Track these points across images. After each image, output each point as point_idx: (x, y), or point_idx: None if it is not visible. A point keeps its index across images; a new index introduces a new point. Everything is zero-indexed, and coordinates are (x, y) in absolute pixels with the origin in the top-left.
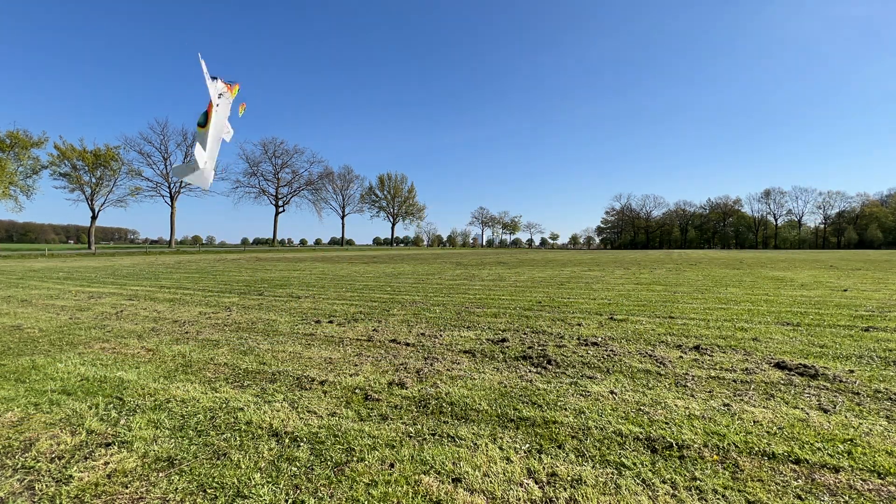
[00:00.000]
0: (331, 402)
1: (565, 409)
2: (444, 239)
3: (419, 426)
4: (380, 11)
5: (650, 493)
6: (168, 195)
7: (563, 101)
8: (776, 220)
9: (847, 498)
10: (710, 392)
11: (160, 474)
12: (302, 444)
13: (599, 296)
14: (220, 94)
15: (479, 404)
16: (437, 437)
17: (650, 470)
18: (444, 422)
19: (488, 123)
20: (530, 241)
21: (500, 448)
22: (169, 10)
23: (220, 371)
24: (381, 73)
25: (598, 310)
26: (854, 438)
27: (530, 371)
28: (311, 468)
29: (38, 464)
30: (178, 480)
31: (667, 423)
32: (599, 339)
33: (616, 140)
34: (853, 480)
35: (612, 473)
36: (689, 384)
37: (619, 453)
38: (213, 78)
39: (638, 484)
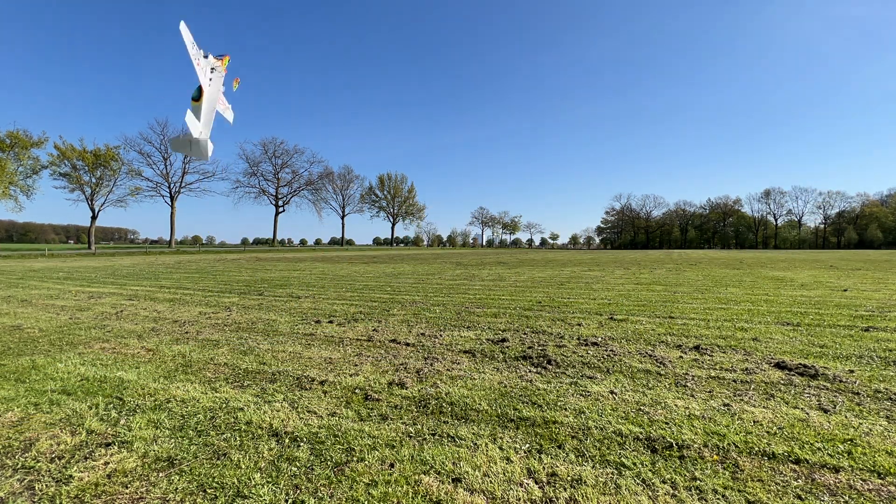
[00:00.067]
0: (331, 402)
1: (565, 409)
2: (444, 239)
3: (419, 426)
4: (380, 11)
5: (650, 493)
6: (168, 195)
7: (563, 101)
8: (776, 220)
9: (847, 498)
10: (710, 392)
11: (160, 474)
12: (302, 444)
13: (599, 296)
14: (213, 69)
15: (479, 404)
16: (437, 437)
17: (650, 470)
18: (444, 422)
19: (488, 123)
20: (530, 241)
21: (500, 448)
22: (169, 11)
23: (220, 371)
24: (381, 73)
25: (598, 310)
26: (854, 438)
27: (530, 371)
28: (311, 468)
29: (38, 464)
30: (178, 480)
31: (667, 423)
32: (599, 339)
33: (616, 140)
34: (853, 480)
35: (612, 473)
36: (689, 384)
37: (619, 453)
38: (205, 56)
39: (638, 484)
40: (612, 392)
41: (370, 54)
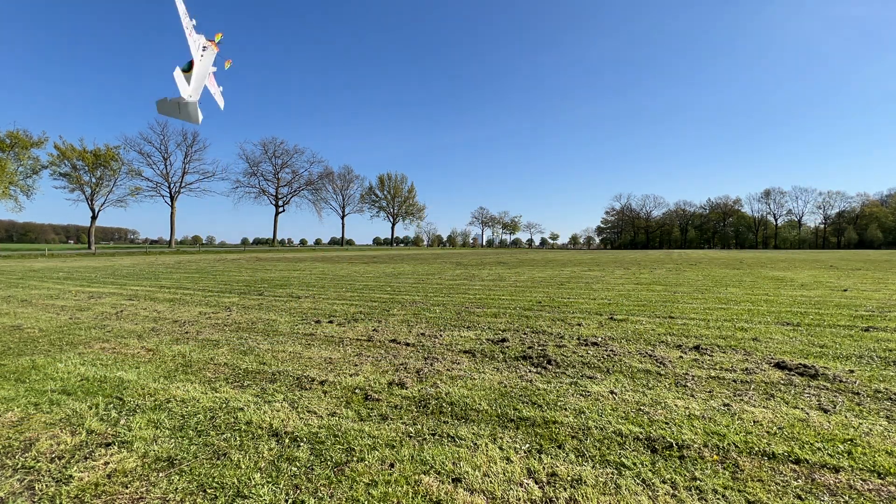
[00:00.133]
0: (331, 402)
1: (565, 409)
2: (444, 239)
3: (419, 426)
4: (380, 11)
5: (650, 493)
6: (168, 195)
7: (563, 101)
8: (776, 220)
9: (847, 498)
10: (710, 392)
11: (160, 474)
12: (302, 444)
13: (599, 296)
14: (205, 48)
15: (479, 404)
16: (437, 437)
17: (650, 470)
18: (444, 422)
19: (488, 123)
20: (530, 241)
21: (500, 448)
22: (169, 11)
23: (220, 371)
24: (380, 73)
25: (598, 310)
26: (854, 438)
27: (530, 371)
28: (311, 468)
29: (38, 464)
30: (178, 480)
31: (667, 423)
32: (599, 339)
33: (616, 140)
34: (853, 480)
35: (612, 473)
36: (689, 384)
37: (619, 453)
38: (198, 33)
39: (638, 484)
40: (612, 392)
41: (370, 54)
